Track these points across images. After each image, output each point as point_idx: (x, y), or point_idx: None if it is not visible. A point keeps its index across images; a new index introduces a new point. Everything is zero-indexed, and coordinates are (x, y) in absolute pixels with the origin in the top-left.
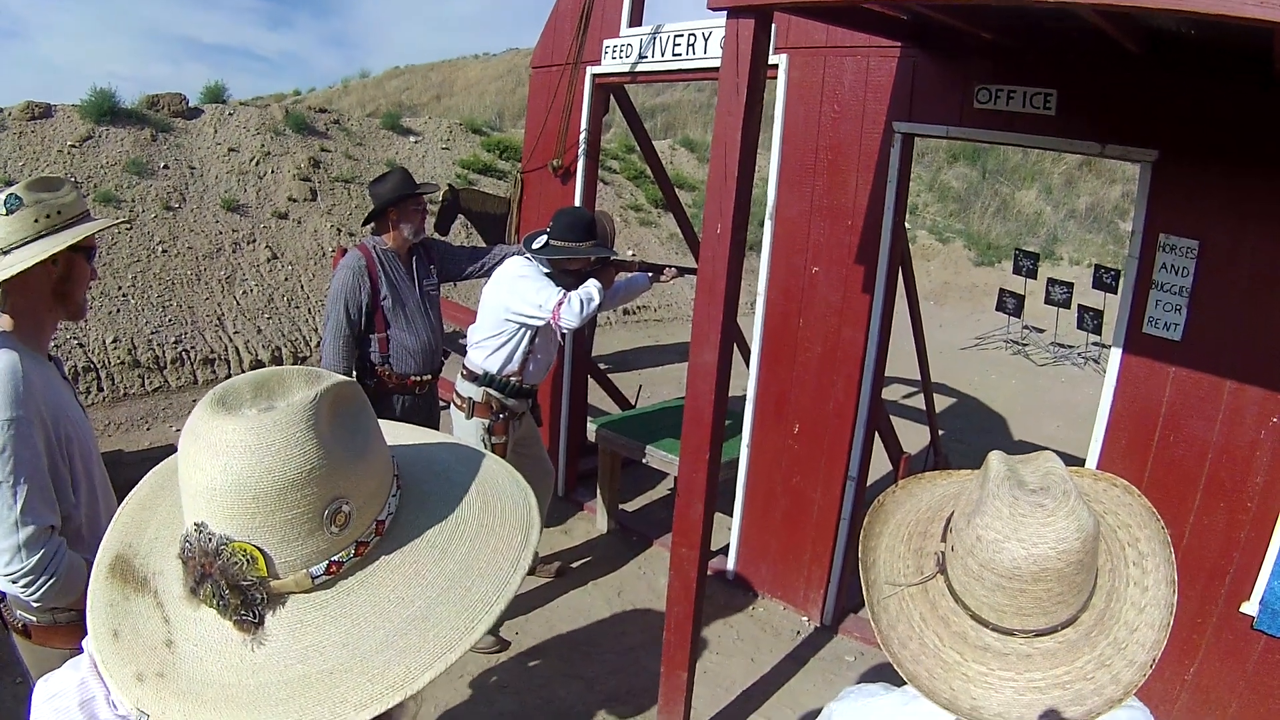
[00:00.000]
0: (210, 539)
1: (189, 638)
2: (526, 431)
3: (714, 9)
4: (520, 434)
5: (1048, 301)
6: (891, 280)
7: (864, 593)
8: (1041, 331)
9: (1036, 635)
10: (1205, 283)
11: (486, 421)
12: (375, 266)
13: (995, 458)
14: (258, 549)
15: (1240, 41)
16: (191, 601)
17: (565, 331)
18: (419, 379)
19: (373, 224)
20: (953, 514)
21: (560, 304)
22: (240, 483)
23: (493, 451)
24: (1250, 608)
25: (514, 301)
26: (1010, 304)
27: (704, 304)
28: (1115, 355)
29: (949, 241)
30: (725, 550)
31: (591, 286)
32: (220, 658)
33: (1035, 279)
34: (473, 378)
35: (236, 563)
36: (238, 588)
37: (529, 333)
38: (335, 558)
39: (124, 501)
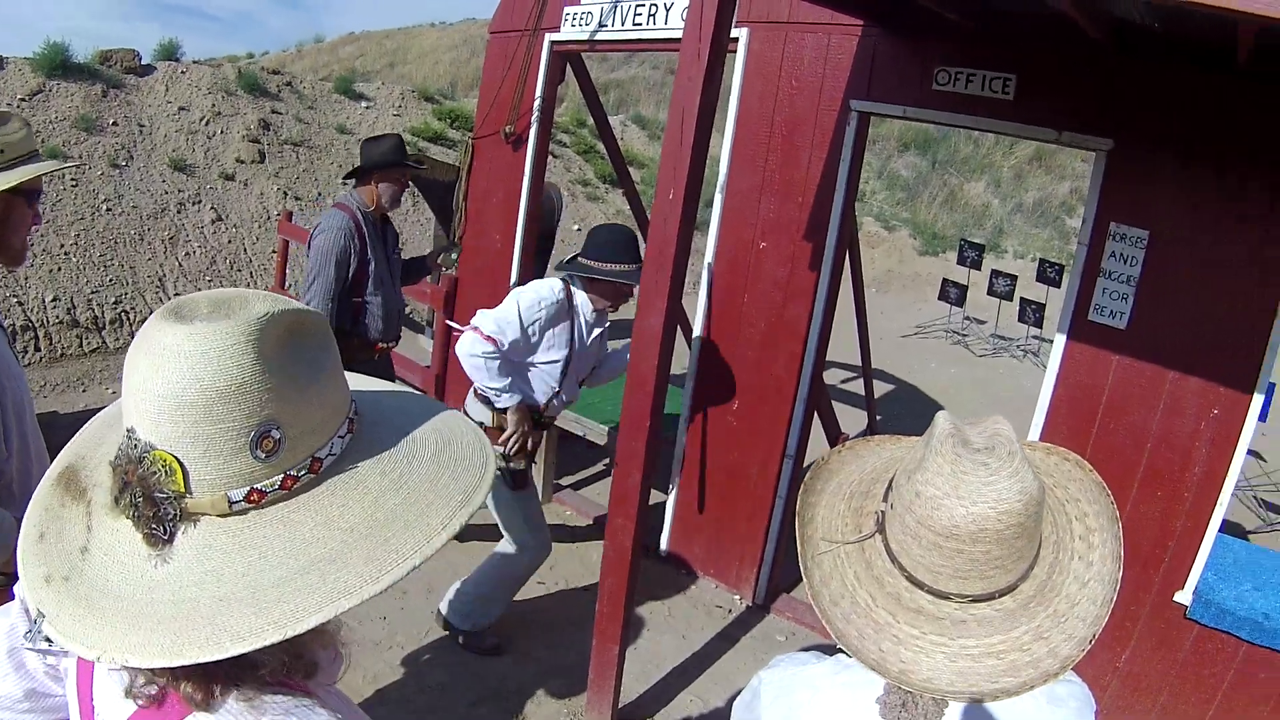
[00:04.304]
0: (136, 445)
1: (102, 546)
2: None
3: None
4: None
5: (990, 293)
6: (839, 259)
7: (798, 548)
8: (982, 323)
9: (973, 601)
10: (1153, 273)
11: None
12: (361, 228)
13: (942, 417)
14: (177, 460)
15: (1204, 33)
16: (113, 511)
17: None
18: (384, 344)
19: (354, 180)
20: (895, 474)
21: (480, 331)
22: (168, 387)
23: (512, 476)
24: (1184, 597)
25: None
26: (953, 294)
27: (652, 270)
28: (1059, 341)
29: (895, 230)
30: (659, 527)
31: (484, 369)
32: (123, 570)
33: (979, 270)
34: (485, 399)
35: (155, 472)
36: (152, 499)
37: (556, 367)
38: (258, 485)
39: (93, 418)
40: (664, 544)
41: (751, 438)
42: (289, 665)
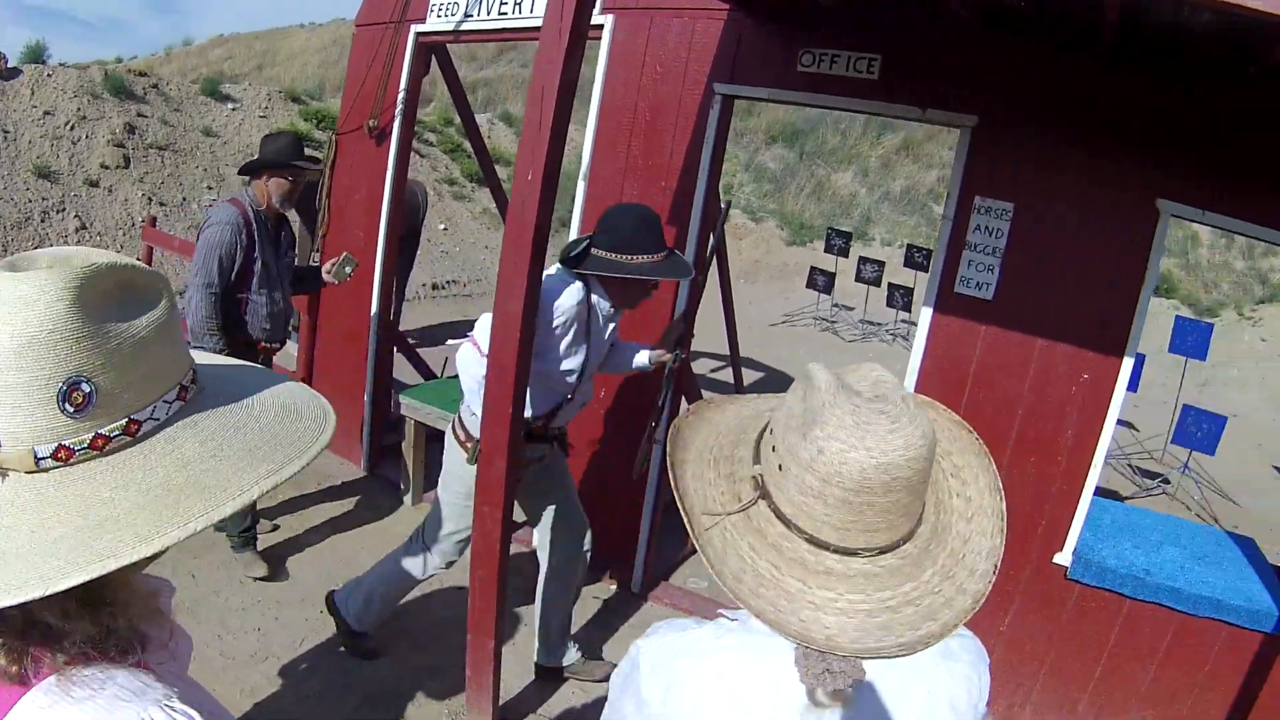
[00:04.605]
0: None
1: None
2: (551, 474)
3: None
4: (539, 477)
5: (858, 279)
6: (703, 242)
7: (686, 525)
8: (851, 309)
9: (880, 553)
10: (1018, 244)
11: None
12: (251, 225)
13: (817, 367)
14: None
15: (1070, 10)
16: None
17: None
18: (268, 345)
19: (248, 176)
20: (762, 436)
21: (479, 348)
22: None
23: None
24: (1063, 558)
25: None
26: (821, 281)
27: (511, 252)
28: (926, 314)
29: (762, 221)
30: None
31: (479, 392)
32: None
33: (847, 258)
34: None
35: None
36: None
37: (571, 375)
38: (66, 442)
39: None
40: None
41: (619, 426)
42: (99, 638)
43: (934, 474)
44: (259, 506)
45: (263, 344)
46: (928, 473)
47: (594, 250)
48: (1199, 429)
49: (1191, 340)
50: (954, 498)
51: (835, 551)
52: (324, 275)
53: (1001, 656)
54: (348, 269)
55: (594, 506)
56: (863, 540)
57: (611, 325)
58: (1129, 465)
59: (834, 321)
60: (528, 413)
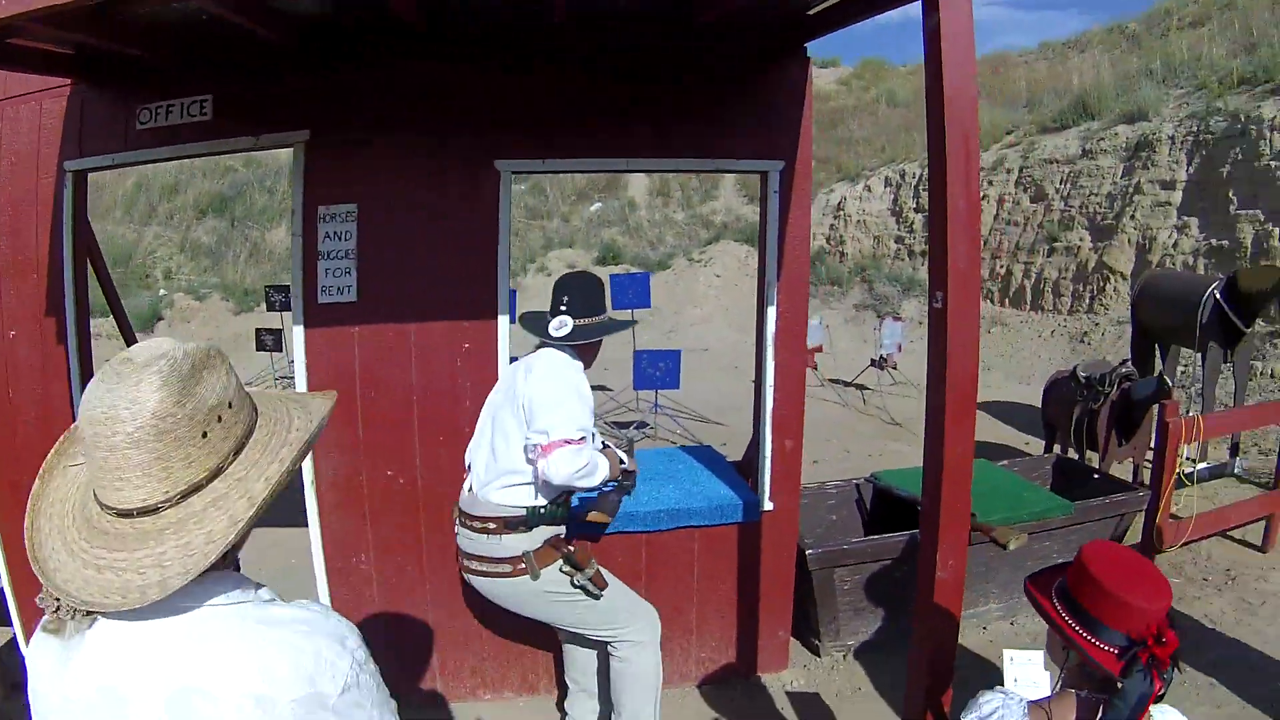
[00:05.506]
0: None
1: None
2: None
3: None
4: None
5: None
6: (83, 325)
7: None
8: None
9: (118, 514)
10: (370, 240)
11: (558, 562)
12: None
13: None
14: None
15: (371, 15)
16: None
17: (545, 480)
18: None
19: None
20: None
21: (571, 442)
22: None
23: (592, 581)
24: None
25: (541, 412)
26: (269, 341)
27: None
28: (298, 332)
29: (206, 298)
30: None
31: (599, 467)
32: None
33: (289, 310)
34: (512, 526)
35: None
36: None
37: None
38: None
39: None
40: None
41: None
42: None
43: (252, 472)
44: None
45: None
46: (138, 441)
47: (579, 320)
48: (655, 369)
49: (632, 293)
50: (242, 500)
51: (98, 501)
52: None
53: (490, 638)
54: None
55: None
56: (104, 495)
57: None
58: (607, 424)
59: (292, 377)
60: (540, 500)
